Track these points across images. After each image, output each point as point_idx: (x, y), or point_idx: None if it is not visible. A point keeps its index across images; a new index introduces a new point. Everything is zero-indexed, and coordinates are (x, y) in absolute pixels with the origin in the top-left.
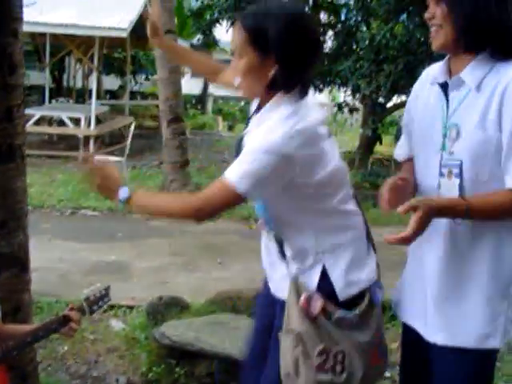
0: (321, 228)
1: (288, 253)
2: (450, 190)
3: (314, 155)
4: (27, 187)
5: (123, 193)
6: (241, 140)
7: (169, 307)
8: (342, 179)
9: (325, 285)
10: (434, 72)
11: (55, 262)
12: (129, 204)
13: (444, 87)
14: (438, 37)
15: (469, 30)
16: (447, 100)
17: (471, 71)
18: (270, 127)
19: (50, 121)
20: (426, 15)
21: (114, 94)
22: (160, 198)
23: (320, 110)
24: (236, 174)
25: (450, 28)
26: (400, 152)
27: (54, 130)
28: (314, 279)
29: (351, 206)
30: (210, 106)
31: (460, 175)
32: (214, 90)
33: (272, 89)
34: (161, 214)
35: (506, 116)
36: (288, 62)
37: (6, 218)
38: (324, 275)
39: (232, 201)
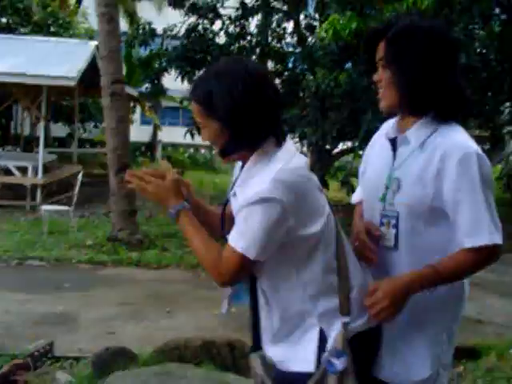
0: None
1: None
2: (388, 240)
3: (303, 202)
4: None
5: (175, 207)
6: (226, 202)
7: (116, 358)
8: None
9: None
10: (388, 126)
11: (0, 314)
12: (176, 220)
13: (393, 142)
14: (385, 98)
15: (411, 95)
16: (394, 154)
17: (415, 131)
18: (254, 183)
19: None
20: (375, 77)
21: (62, 142)
22: (200, 239)
23: (300, 155)
24: (241, 244)
25: (394, 92)
26: (355, 197)
27: (1, 178)
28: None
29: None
30: (159, 153)
31: (396, 226)
32: (163, 136)
33: (245, 149)
34: (193, 251)
35: (447, 180)
36: (239, 124)
37: None
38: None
39: (247, 267)
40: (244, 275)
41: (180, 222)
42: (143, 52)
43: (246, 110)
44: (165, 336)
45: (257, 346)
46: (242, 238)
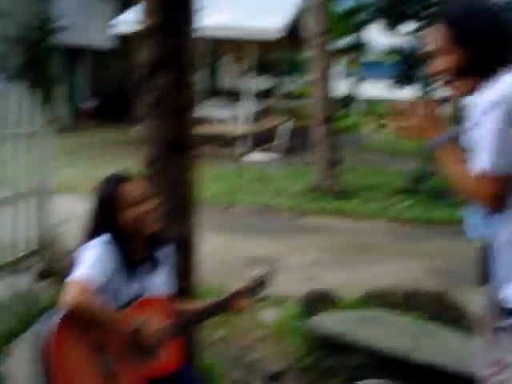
0: None
1: None
2: None
3: None
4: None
5: (439, 139)
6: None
7: (321, 300)
8: None
9: None
10: None
11: (211, 253)
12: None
13: None
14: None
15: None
16: None
17: None
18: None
19: (203, 120)
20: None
21: (265, 94)
22: (461, 169)
23: None
24: (486, 162)
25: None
26: None
27: (209, 128)
28: None
29: None
30: (359, 107)
31: None
32: (363, 91)
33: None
34: (453, 181)
35: None
36: (484, 50)
37: (178, 205)
38: None
39: (501, 186)
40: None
41: (438, 155)
42: (346, 5)
43: (492, 38)
44: (367, 284)
45: (484, 282)
46: (487, 159)
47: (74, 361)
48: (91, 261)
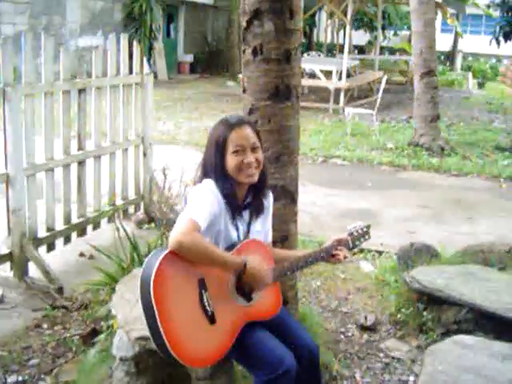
0: None
1: None
2: None
3: None
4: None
5: None
6: None
7: (419, 254)
8: None
9: None
10: None
11: (309, 204)
12: None
13: None
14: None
15: None
16: None
17: None
18: None
19: (301, 73)
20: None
21: (362, 49)
22: None
23: None
24: None
25: None
26: None
27: (306, 82)
28: None
29: None
30: (459, 62)
31: None
32: (463, 46)
33: None
34: None
35: None
36: None
37: (280, 153)
38: None
39: None
40: None
41: None
42: None
43: None
44: (465, 241)
45: None
46: None
47: (177, 297)
48: (199, 202)
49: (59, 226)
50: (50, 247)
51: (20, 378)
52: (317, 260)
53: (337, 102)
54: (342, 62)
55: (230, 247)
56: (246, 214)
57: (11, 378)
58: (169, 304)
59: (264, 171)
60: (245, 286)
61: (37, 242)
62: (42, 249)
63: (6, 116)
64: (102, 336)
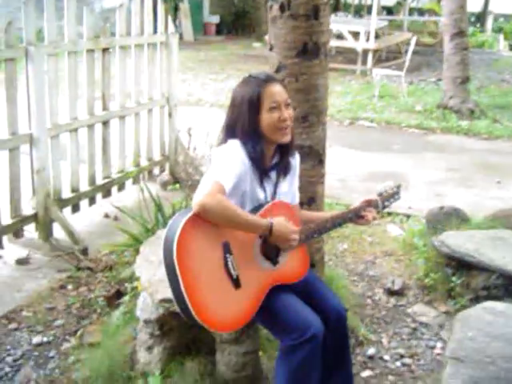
0: None
1: None
2: None
3: None
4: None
5: None
6: None
7: (449, 218)
8: None
9: None
10: None
11: (336, 167)
12: None
13: None
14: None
15: None
16: None
17: None
18: None
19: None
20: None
21: (390, 10)
22: None
23: None
24: None
25: None
26: None
27: (334, 43)
28: None
29: None
30: (490, 23)
31: None
32: (495, 7)
33: None
34: None
35: None
36: None
37: (307, 113)
38: None
39: None
40: None
41: None
42: None
43: None
44: (495, 205)
45: None
46: None
47: (201, 260)
48: (224, 163)
49: (84, 187)
50: (75, 208)
51: (45, 339)
52: (345, 221)
53: (364, 63)
54: (369, 22)
55: (257, 208)
56: (273, 175)
57: (36, 339)
58: (192, 268)
59: (291, 130)
60: (271, 249)
61: (61, 203)
62: (67, 210)
63: (29, 76)
64: (126, 298)
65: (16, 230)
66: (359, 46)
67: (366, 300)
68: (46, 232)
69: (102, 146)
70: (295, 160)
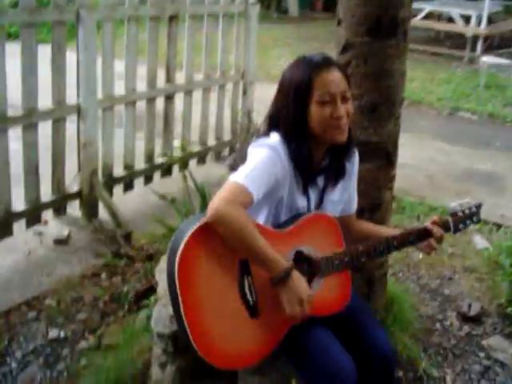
0: None
1: None
2: None
3: None
4: (406, 79)
5: None
6: None
7: None
8: None
9: None
10: None
11: (425, 161)
12: None
13: None
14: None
15: None
16: None
17: None
18: None
19: (438, 17)
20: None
21: None
22: None
23: None
24: None
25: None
26: None
27: (442, 26)
28: None
29: None
30: None
31: None
32: None
33: None
34: None
35: None
36: None
37: (377, 103)
38: None
39: None
40: None
41: None
42: None
43: None
44: None
45: None
46: None
47: (209, 280)
48: (259, 163)
49: (139, 164)
50: (128, 187)
51: (62, 334)
52: (404, 245)
53: (473, 50)
54: (482, 6)
55: (291, 220)
56: (320, 180)
57: (53, 332)
58: (198, 288)
59: (350, 127)
60: (302, 272)
61: (112, 180)
62: (119, 189)
63: (79, 42)
64: (152, 298)
65: (58, 207)
66: (469, 30)
67: (434, 324)
68: (91, 212)
69: (164, 122)
70: (353, 162)
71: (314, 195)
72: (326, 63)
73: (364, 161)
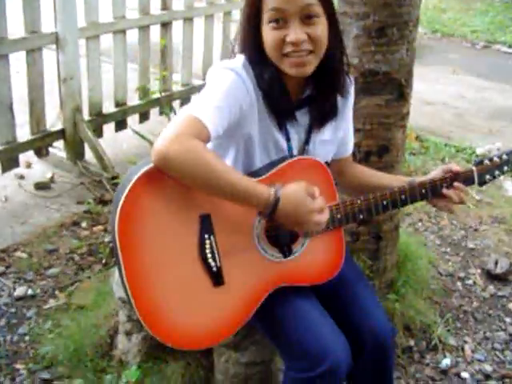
0: None
1: None
2: None
3: None
4: (437, 8)
5: None
6: None
7: None
8: None
9: None
10: None
11: (455, 98)
12: None
13: None
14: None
15: None
16: None
17: None
18: None
19: None
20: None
21: None
22: None
23: None
24: None
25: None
26: None
27: None
28: None
29: None
30: None
31: None
32: None
33: None
34: None
35: None
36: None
37: (385, 23)
38: None
39: None
40: None
41: None
42: None
43: None
44: None
45: None
46: None
47: (160, 240)
48: (216, 89)
49: (133, 100)
50: (120, 125)
51: (30, 292)
52: (414, 199)
53: None
54: None
55: (269, 166)
56: (302, 116)
57: (20, 290)
58: (145, 251)
59: (334, 50)
60: (282, 232)
61: (101, 118)
62: (110, 127)
63: None
64: None
65: (38, 148)
66: None
67: (454, 284)
68: (76, 153)
69: (161, 53)
70: (347, 94)
71: (296, 134)
72: None
73: (371, 94)
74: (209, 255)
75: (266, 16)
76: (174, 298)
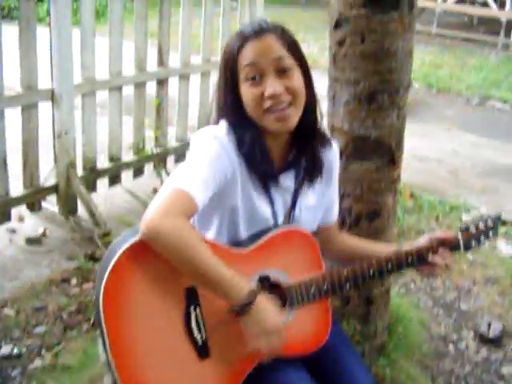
0: None
1: None
2: None
3: None
4: (414, 53)
5: None
6: None
7: None
8: None
9: None
10: None
11: (449, 154)
12: None
13: None
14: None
15: None
16: None
17: None
18: None
19: (472, 1)
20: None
21: None
22: None
23: None
24: None
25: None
26: None
27: (476, 10)
28: None
29: None
30: None
31: None
32: None
33: None
34: None
35: None
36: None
37: (376, 89)
38: None
39: None
40: None
41: None
42: None
43: None
44: None
45: None
46: None
47: (146, 314)
48: (199, 159)
49: (127, 156)
50: (114, 180)
51: (15, 351)
52: (400, 267)
53: (508, 35)
54: None
55: (255, 236)
56: (286, 181)
57: (5, 349)
58: (129, 323)
59: (311, 100)
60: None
61: (95, 173)
62: (104, 182)
63: (51, 13)
64: None
65: (31, 203)
66: (504, 15)
67: (447, 347)
68: (69, 208)
69: (156, 110)
70: (329, 156)
71: (281, 198)
72: (256, 31)
73: (361, 159)
74: (194, 328)
75: (242, 75)
76: (159, 373)
